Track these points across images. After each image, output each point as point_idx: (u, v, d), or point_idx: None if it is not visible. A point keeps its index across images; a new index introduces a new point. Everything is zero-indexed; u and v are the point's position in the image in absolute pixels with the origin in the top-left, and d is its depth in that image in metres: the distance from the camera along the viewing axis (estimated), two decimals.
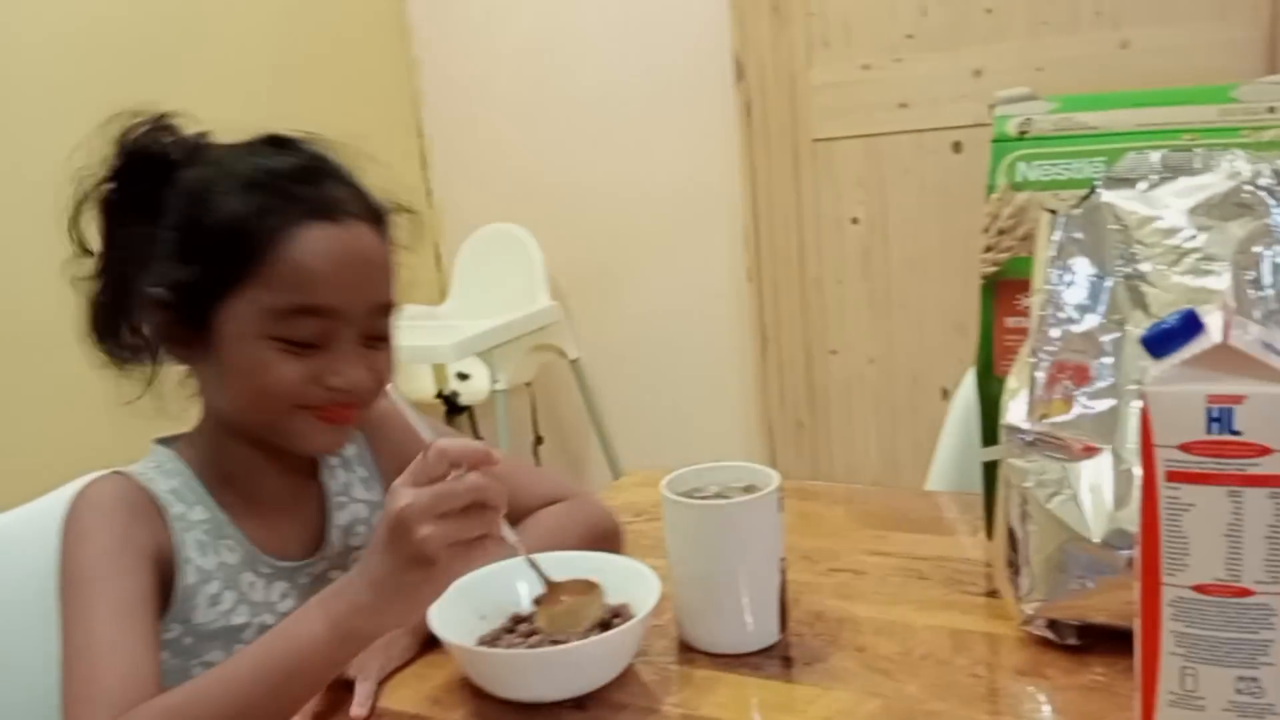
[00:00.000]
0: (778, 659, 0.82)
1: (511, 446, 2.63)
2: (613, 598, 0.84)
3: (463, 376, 2.46)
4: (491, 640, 0.83)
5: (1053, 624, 0.79)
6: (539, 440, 2.69)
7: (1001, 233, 0.91)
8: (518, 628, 0.84)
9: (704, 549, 0.82)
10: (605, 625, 0.80)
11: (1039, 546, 0.77)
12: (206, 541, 0.87)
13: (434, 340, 2.19)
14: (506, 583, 0.86)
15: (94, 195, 0.88)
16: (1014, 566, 0.80)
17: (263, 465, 0.91)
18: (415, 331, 2.32)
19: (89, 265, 0.89)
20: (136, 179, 0.87)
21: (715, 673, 0.80)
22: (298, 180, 0.84)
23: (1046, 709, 0.73)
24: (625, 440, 2.74)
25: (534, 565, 0.78)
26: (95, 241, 0.89)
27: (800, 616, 0.88)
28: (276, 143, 0.89)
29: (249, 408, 0.87)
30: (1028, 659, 0.78)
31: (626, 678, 0.80)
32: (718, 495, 0.86)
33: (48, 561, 0.82)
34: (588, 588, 0.80)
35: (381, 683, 0.82)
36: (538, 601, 0.79)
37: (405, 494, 0.66)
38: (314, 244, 0.83)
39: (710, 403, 2.67)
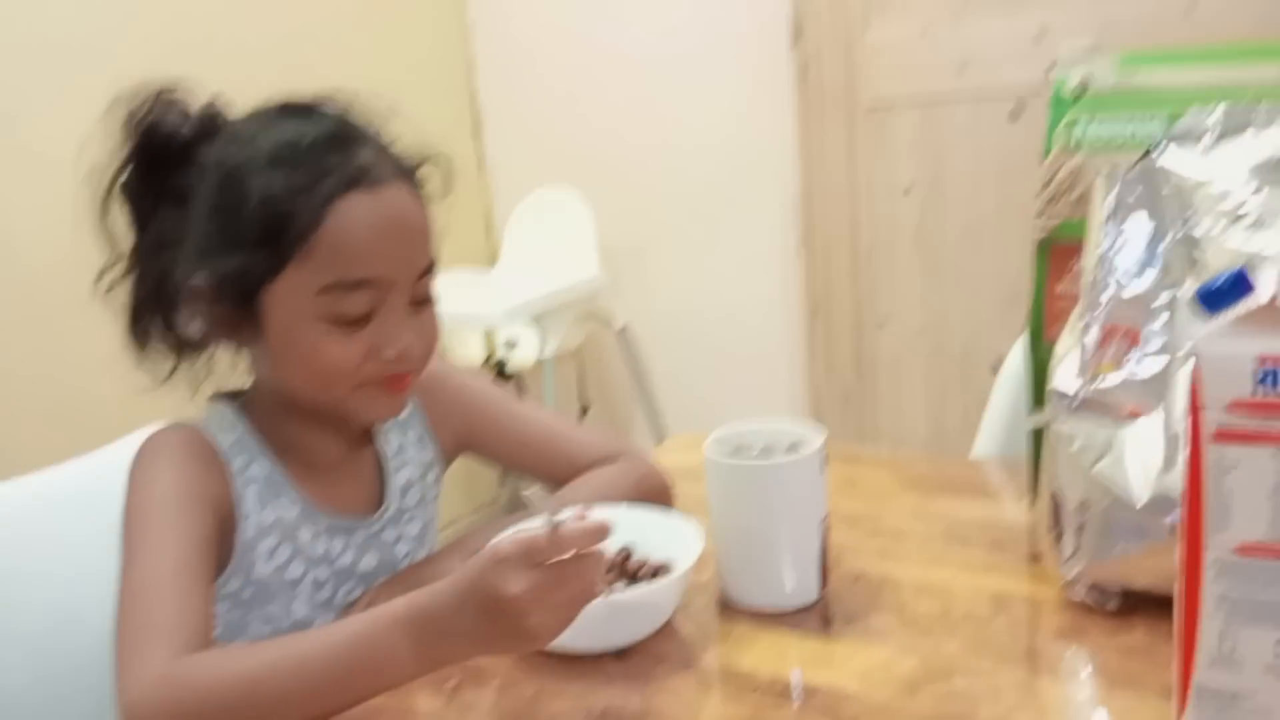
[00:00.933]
0: (817, 617, 0.83)
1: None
2: (656, 554, 0.85)
3: (510, 344, 2.48)
4: None
5: (1095, 588, 0.78)
6: (585, 409, 2.71)
7: (1056, 195, 0.90)
8: None
9: (746, 508, 0.83)
10: (633, 577, 0.82)
11: (1083, 510, 0.77)
12: (265, 496, 0.88)
13: (483, 305, 2.21)
14: None
15: (115, 187, 0.86)
16: (1057, 530, 0.80)
17: (318, 432, 0.92)
18: (465, 296, 2.34)
19: (123, 263, 0.88)
20: (153, 163, 0.86)
21: (755, 629, 0.81)
22: (327, 150, 0.82)
23: (1086, 669, 0.73)
24: (672, 411, 2.75)
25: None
26: (126, 237, 0.87)
27: (841, 577, 0.88)
28: (297, 110, 0.86)
29: (308, 390, 0.87)
30: (1069, 621, 0.78)
31: (667, 632, 0.81)
32: (762, 453, 0.86)
33: (109, 510, 0.84)
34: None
35: None
36: None
37: (517, 580, 0.64)
38: (353, 216, 0.81)
39: (757, 373, 2.67)
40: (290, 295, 0.83)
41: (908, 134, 2.36)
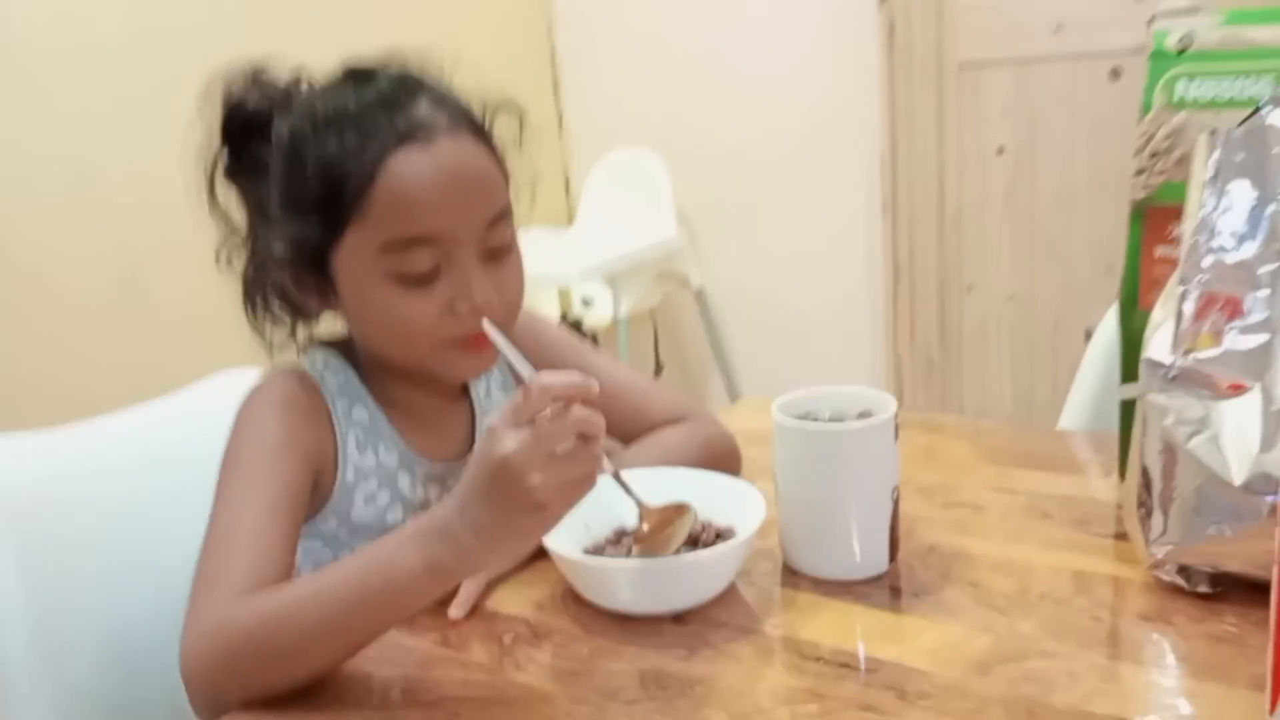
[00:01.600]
0: (885, 589, 0.80)
1: None
2: (718, 518, 0.83)
3: (586, 302, 2.47)
4: (596, 550, 0.83)
5: (1183, 570, 0.74)
6: (659, 369, 2.69)
7: (1155, 155, 0.85)
8: (623, 540, 0.84)
9: (814, 474, 0.80)
10: (695, 542, 0.80)
11: (1174, 488, 0.72)
12: (365, 441, 0.89)
13: (559, 263, 2.20)
14: (614, 494, 0.85)
15: (216, 164, 0.87)
16: (1145, 508, 0.76)
17: (414, 385, 0.92)
18: (541, 254, 2.34)
19: (235, 237, 0.89)
20: (238, 141, 0.87)
21: (819, 598, 0.79)
22: (380, 109, 0.82)
23: (1170, 656, 0.69)
24: (747, 374, 2.72)
25: (628, 491, 0.77)
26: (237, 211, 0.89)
27: (912, 549, 0.85)
28: (357, 74, 0.86)
29: (390, 350, 0.87)
30: (1154, 604, 0.74)
31: (728, 597, 0.79)
32: (832, 420, 0.84)
33: (198, 447, 0.84)
34: (678, 511, 0.79)
35: (489, 586, 0.83)
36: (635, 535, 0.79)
37: (509, 438, 0.64)
38: (406, 172, 0.80)
39: (837, 338, 2.62)
40: (354, 257, 0.83)
41: (1000, 95, 2.27)
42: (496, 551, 0.69)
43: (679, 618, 0.77)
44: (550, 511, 0.66)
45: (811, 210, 2.58)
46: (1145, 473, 0.75)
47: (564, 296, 2.42)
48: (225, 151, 0.87)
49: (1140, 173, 0.85)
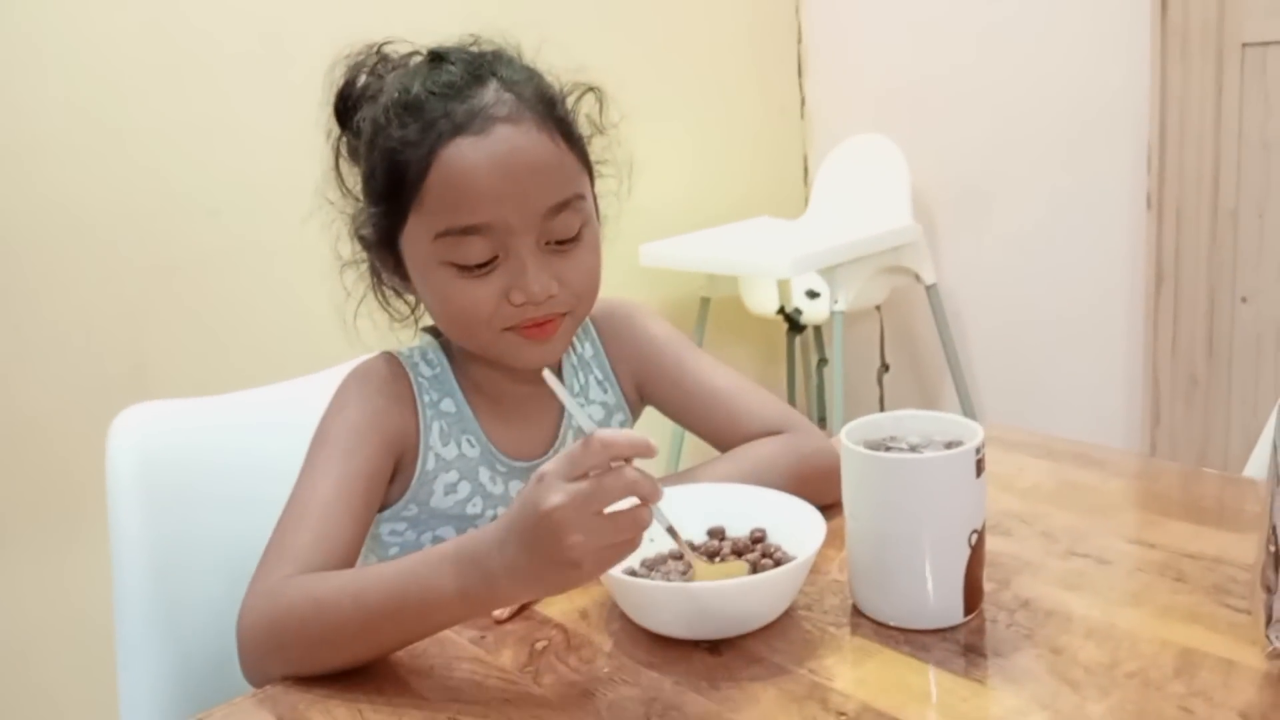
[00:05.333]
0: (953, 643, 0.71)
1: (850, 371, 2.53)
2: (790, 545, 0.78)
3: (812, 294, 2.39)
4: (657, 562, 0.80)
5: None
6: (885, 369, 2.56)
7: None
8: (683, 558, 0.80)
9: (877, 508, 0.73)
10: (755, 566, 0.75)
11: None
12: (449, 432, 0.91)
13: (771, 255, 2.14)
14: (679, 509, 0.82)
15: (338, 144, 0.90)
16: (1270, 587, 0.63)
17: (500, 373, 0.92)
18: (759, 244, 2.29)
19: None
20: (345, 125, 0.89)
21: (873, 644, 0.72)
22: (442, 97, 0.82)
23: None
24: (983, 377, 2.54)
25: (680, 545, 0.73)
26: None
27: (1003, 601, 0.76)
28: (433, 59, 0.86)
29: (454, 336, 0.89)
30: (1264, 700, 0.61)
31: (775, 630, 0.74)
32: (913, 449, 0.76)
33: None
34: (729, 571, 0.75)
35: None
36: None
37: (557, 491, 0.62)
38: (458, 162, 0.80)
39: (1086, 348, 2.38)
40: (415, 243, 0.84)
41: None
42: (528, 593, 0.70)
43: (713, 647, 0.73)
44: (584, 570, 0.65)
45: (1066, 205, 2.36)
46: (1275, 535, 0.63)
47: (783, 288, 2.35)
48: (341, 133, 0.90)
49: None
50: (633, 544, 0.65)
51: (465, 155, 0.80)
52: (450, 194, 0.81)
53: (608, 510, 0.63)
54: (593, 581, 0.70)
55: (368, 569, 0.74)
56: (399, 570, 0.71)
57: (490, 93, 0.82)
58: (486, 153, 0.80)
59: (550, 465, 0.64)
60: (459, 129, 0.81)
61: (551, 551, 0.63)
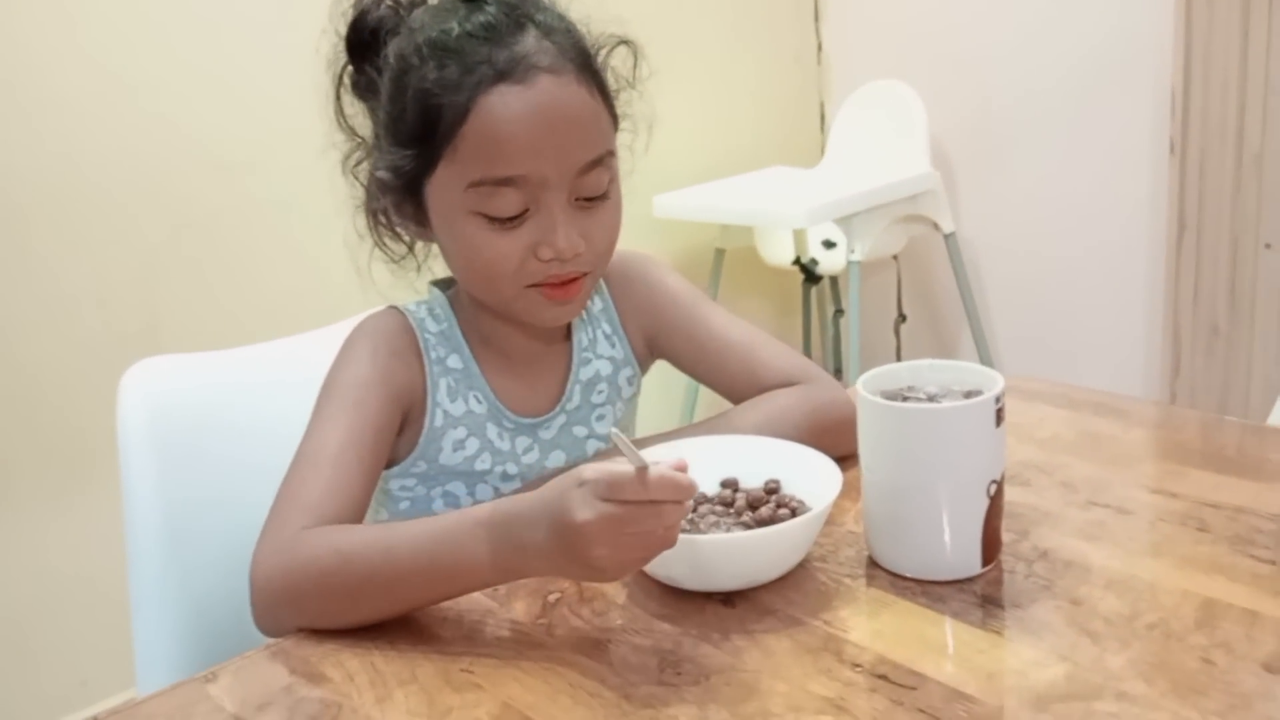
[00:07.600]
0: (970, 594, 0.70)
1: (866, 322, 2.51)
2: (804, 495, 0.77)
3: (829, 244, 2.36)
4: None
5: None
6: (902, 319, 2.54)
7: None
8: (699, 508, 0.79)
9: (894, 458, 0.72)
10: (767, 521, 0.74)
11: None
12: (456, 389, 0.90)
13: (786, 204, 2.11)
14: (693, 460, 0.81)
15: (342, 78, 0.88)
16: None
17: (511, 326, 0.91)
18: (772, 192, 2.26)
19: (360, 151, 0.90)
20: (361, 57, 0.86)
21: (891, 596, 0.71)
22: (483, 40, 0.79)
23: None
24: (1001, 328, 2.51)
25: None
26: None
27: (1021, 552, 0.75)
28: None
29: (475, 289, 0.88)
30: None
31: (789, 581, 0.73)
32: (932, 399, 0.74)
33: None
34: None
35: None
36: None
37: (591, 508, 0.63)
38: (499, 110, 0.78)
39: (1106, 296, 2.35)
40: (444, 191, 0.82)
41: None
42: (554, 575, 0.73)
43: (727, 599, 0.72)
44: (607, 575, 0.68)
45: (1086, 151, 2.32)
46: None
47: (799, 238, 2.32)
48: (350, 67, 0.87)
49: None
50: (651, 558, 0.66)
51: (509, 104, 0.78)
52: (488, 144, 0.79)
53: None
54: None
55: (396, 525, 0.74)
56: (431, 530, 0.71)
57: (531, 40, 0.80)
58: (529, 103, 0.78)
59: (592, 473, 0.64)
60: (501, 76, 0.78)
61: (576, 556, 0.65)
